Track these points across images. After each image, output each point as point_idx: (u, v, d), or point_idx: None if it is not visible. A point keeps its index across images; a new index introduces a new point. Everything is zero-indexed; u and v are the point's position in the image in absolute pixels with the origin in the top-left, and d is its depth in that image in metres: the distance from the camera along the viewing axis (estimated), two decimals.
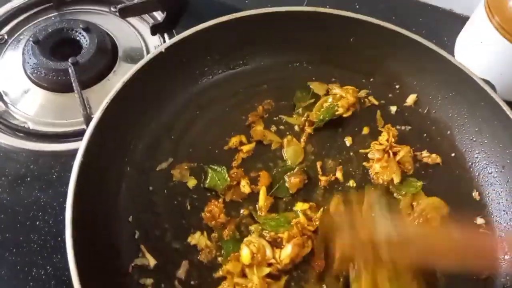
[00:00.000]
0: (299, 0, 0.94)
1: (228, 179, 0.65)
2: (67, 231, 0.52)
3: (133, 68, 0.62)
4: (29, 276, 0.62)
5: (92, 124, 0.58)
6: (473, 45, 0.82)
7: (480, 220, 0.64)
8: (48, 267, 0.63)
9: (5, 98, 0.77)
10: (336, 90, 0.73)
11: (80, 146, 0.56)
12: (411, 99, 0.73)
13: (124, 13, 0.78)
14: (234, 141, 0.69)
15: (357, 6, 0.95)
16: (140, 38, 0.85)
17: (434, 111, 0.72)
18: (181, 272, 0.59)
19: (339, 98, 0.72)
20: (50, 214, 0.67)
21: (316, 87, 0.74)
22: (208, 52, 0.71)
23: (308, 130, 0.70)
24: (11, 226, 0.66)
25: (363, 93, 0.74)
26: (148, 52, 0.83)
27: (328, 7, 0.92)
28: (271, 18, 0.71)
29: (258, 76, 0.74)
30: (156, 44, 0.84)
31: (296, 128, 0.71)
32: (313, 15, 0.71)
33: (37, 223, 0.66)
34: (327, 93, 0.74)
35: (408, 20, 0.92)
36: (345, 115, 0.71)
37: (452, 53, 0.87)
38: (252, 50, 0.74)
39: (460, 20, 0.90)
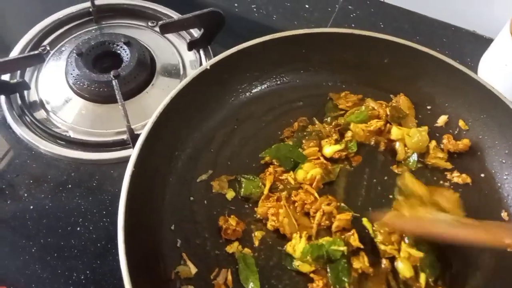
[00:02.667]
0: (323, 17, 0.98)
1: (263, 186, 0.67)
2: (119, 237, 0.54)
3: (181, 83, 0.65)
4: (70, 280, 0.64)
5: (143, 136, 0.60)
6: (497, 67, 0.84)
7: (508, 240, 0.66)
8: (87, 272, 0.65)
9: (46, 106, 0.80)
10: (370, 103, 0.75)
11: (131, 156, 0.59)
12: (442, 120, 0.75)
13: (165, 29, 0.81)
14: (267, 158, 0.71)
15: (382, 26, 0.97)
16: (177, 53, 0.88)
17: (464, 132, 0.74)
18: (220, 279, 0.61)
19: (371, 109, 0.75)
20: (90, 220, 0.69)
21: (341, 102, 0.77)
22: (248, 69, 0.74)
23: (335, 135, 0.72)
24: (52, 231, 0.68)
25: None
26: (184, 67, 0.86)
27: (353, 25, 0.97)
28: (308, 38, 0.73)
29: (294, 93, 0.77)
30: (192, 59, 0.88)
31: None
32: (348, 36, 0.73)
33: (78, 228, 0.68)
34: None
35: (431, 41, 0.95)
36: (378, 124, 0.73)
37: (476, 74, 0.89)
38: (289, 68, 0.77)
39: (483, 42, 0.92)
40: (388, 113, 0.73)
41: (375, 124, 0.73)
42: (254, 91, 0.76)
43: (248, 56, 0.71)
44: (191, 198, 0.66)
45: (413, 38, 0.95)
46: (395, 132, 0.72)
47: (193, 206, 0.66)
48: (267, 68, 0.75)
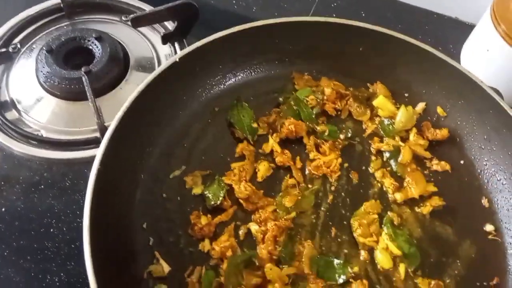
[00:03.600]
0: (304, 8, 0.96)
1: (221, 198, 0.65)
2: (85, 238, 0.52)
3: (148, 78, 0.63)
4: (43, 283, 0.63)
5: (108, 133, 0.58)
6: (479, 53, 0.83)
7: (489, 227, 0.65)
8: (62, 274, 0.64)
9: (18, 106, 0.78)
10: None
11: (97, 155, 0.57)
12: (420, 107, 0.74)
13: (136, 23, 0.79)
14: (240, 147, 0.70)
15: (363, 14, 0.96)
16: (151, 47, 0.86)
17: (442, 119, 0.73)
18: (194, 278, 0.59)
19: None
20: (63, 221, 0.68)
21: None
22: (220, 61, 0.72)
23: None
24: (25, 233, 0.67)
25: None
26: (159, 60, 0.85)
27: (334, 15, 0.95)
28: (281, 28, 0.72)
29: (269, 84, 0.76)
30: (166, 53, 0.86)
31: None
32: (323, 25, 0.72)
33: (51, 230, 0.67)
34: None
35: (414, 28, 0.94)
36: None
37: (458, 61, 0.87)
38: (263, 59, 0.75)
39: (465, 28, 0.91)
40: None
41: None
42: (227, 83, 0.75)
43: (219, 47, 0.69)
44: (164, 195, 0.65)
45: (396, 26, 0.94)
46: (381, 101, 0.72)
47: (166, 203, 0.65)
48: (240, 59, 0.74)
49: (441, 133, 0.70)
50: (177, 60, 0.65)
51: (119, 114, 0.60)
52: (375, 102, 0.73)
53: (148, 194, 0.64)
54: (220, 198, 0.64)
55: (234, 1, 0.97)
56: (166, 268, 0.59)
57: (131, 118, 0.62)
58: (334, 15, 0.95)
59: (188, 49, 0.66)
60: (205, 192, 0.65)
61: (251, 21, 0.92)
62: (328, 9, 0.96)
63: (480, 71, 0.82)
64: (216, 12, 0.95)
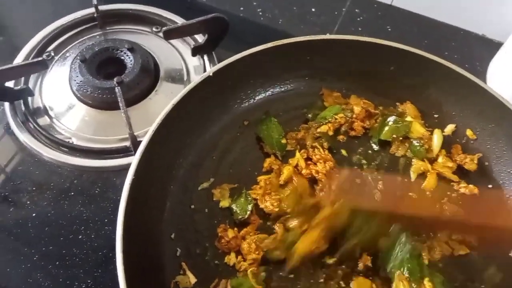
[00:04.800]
0: (330, 21, 0.97)
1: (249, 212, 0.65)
2: (118, 247, 0.53)
3: (182, 91, 0.64)
4: None
5: (143, 144, 0.59)
6: (506, 72, 0.82)
7: None
8: (89, 281, 0.65)
9: (50, 112, 0.80)
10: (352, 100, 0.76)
11: (131, 165, 0.58)
12: (449, 129, 0.74)
13: (168, 35, 0.80)
14: (268, 162, 0.70)
15: (389, 29, 0.96)
16: (181, 59, 0.87)
17: (472, 142, 0.72)
18: None
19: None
20: (92, 228, 0.69)
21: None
22: (252, 76, 0.73)
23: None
24: (54, 239, 0.68)
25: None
26: (188, 72, 0.86)
27: (360, 29, 0.95)
28: (313, 45, 0.72)
29: (299, 100, 0.76)
30: (195, 65, 0.87)
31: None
32: (354, 43, 0.72)
33: (80, 237, 0.68)
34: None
35: (440, 44, 0.94)
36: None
37: (484, 79, 0.88)
38: (293, 75, 0.76)
39: (492, 46, 0.91)
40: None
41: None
42: (258, 97, 0.75)
43: (251, 62, 0.70)
44: (192, 207, 0.66)
45: (421, 42, 0.94)
46: (416, 128, 0.72)
47: (194, 215, 0.65)
48: (271, 74, 0.74)
49: (470, 164, 0.69)
50: (211, 74, 0.66)
51: (154, 126, 0.61)
52: None
53: (177, 205, 0.65)
54: (248, 213, 0.65)
55: (260, 13, 0.98)
56: (193, 279, 0.60)
57: (164, 130, 0.63)
58: (360, 29, 0.96)
59: (221, 64, 0.67)
60: (233, 206, 0.66)
61: (278, 33, 0.95)
62: (354, 23, 0.97)
63: (506, 90, 0.81)
64: (243, 23, 0.96)
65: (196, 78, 0.82)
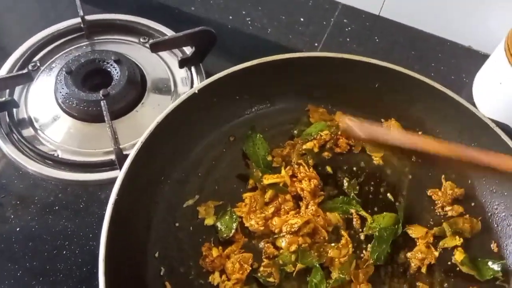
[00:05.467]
0: (318, 31, 0.97)
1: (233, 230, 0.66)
2: (100, 268, 0.53)
3: (167, 108, 0.64)
4: None
5: (126, 163, 0.59)
6: (491, 85, 0.83)
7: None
8: None
9: (35, 124, 0.79)
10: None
11: (115, 184, 0.58)
12: None
13: (156, 48, 0.80)
14: (251, 181, 0.71)
15: (377, 40, 0.97)
16: (168, 70, 0.87)
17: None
18: None
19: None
20: (76, 243, 0.69)
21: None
22: (237, 93, 0.73)
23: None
24: (38, 254, 0.67)
25: None
26: (175, 83, 0.86)
27: (348, 39, 0.96)
28: (299, 62, 0.73)
29: (284, 116, 0.76)
30: (182, 76, 0.87)
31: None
32: (341, 60, 0.72)
33: (64, 252, 0.68)
34: None
35: (427, 55, 0.94)
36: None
37: (470, 91, 0.88)
38: (279, 91, 0.76)
39: (479, 58, 0.92)
40: None
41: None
42: (244, 113, 0.76)
43: (237, 79, 0.70)
44: (177, 224, 0.66)
45: (409, 52, 0.95)
46: None
47: (178, 233, 0.65)
48: (257, 91, 0.74)
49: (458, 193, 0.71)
50: (196, 92, 0.66)
51: (137, 145, 0.61)
52: None
53: (162, 222, 0.65)
54: (232, 231, 0.65)
55: (249, 22, 0.98)
56: None
57: (149, 148, 0.63)
58: (348, 39, 0.96)
59: (207, 81, 0.67)
60: (217, 224, 0.66)
61: (266, 42, 0.95)
62: (342, 33, 0.97)
63: (491, 103, 0.83)
64: (232, 33, 0.96)
65: (183, 90, 0.84)
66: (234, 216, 0.66)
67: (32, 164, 0.74)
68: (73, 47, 0.89)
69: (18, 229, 0.70)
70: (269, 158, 0.71)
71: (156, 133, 0.63)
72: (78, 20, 0.88)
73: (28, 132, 0.79)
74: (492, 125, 0.68)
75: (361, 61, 0.72)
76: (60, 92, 0.79)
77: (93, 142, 0.77)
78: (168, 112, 0.64)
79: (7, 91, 0.81)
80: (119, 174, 0.58)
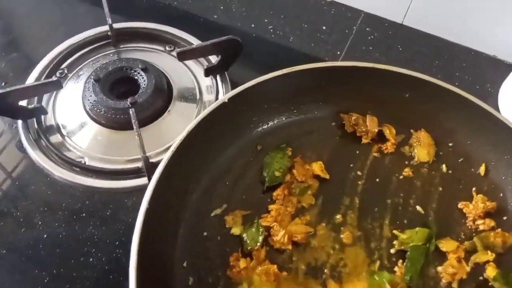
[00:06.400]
0: (341, 40, 0.96)
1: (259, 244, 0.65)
2: (131, 278, 0.53)
3: (198, 118, 0.64)
4: None
5: (157, 173, 0.59)
6: None
7: None
8: None
9: (62, 130, 0.80)
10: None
11: (146, 194, 0.58)
12: (464, 158, 0.73)
13: (182, 56, 0.80)
14: (277, 191, 0.70)
15: (400, 49, 0.96)
16: (193, 78, 0.87)
17: (487, 172, 0.72)
18: None
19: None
20: (103, 251, 0.69)
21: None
22: (266, 101, 0.73)
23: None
24: (65, 261, 0.68)
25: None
26: (200, 92, 0.86)
27: (371, 48, 0.95)
28: (327, 71, 0.72)
29: (312, 124, 0.76)
30: (208, 84, 0.87)
31: None
32: (370, 70, 0.72)
33: (90, 259, 0.68)
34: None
35: (451, 65, 0.93)
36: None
37: (495, 101, 0.87)
38: (307, 100, 0.76)
39: (504, 67, 0.91)
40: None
41: None
42: (272, 122, 0.75)
43: (265, 88, 0.69)
44: (205, 234, 0.65)
45: (432, 62, 0.94)
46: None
47: (206, 242, 0.65)
48: (286, 99, 0.74)
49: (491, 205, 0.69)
50: (226, 100, 0.66)
51: (168, 154, 0.61)
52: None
53: (190, 232, 0.65)
54: (258, 244, 0.64)
55: (271, 31, 0.98)
56: None
57: (179, 156, 0.62)
58: (371, 48, 0.95)
59: (237, 90, 0.67)
60: (243, 235, 0.65)
61: (289, 51, 0.94)
62: (365, 41, 0.96)
63: None
64: (254, 41, 0.95)
65: (208, 98, 0.84)
66: (261, 229, 0.65)
67: (60, 170, 0.75)
68: (100, 54, 0.89)
69: (45, 235, 0.70)
70: (277, 174, 0.71)
71: (186, 142, 0.63)
72: (105, 28, 0.88)
73: (55, 138, 0.79)
74: None
75: (390, 71, 0.71)
76: (88, 100, 0.79)
77: (120, 150, 0.78)
78: (199, 120, 0.64)
79: (36, 98, 0.81)
80: (151, 182, 0.58)
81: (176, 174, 0.63)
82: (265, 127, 0.75)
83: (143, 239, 0.55)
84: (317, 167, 0.71)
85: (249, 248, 0.64)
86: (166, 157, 0.60)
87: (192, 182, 0.67)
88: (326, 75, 0.72)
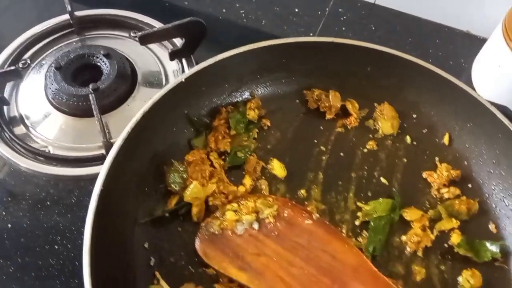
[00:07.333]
0: (314, 22, 0.96)
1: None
2: (85, 258, 0.52)
3: (153, 98, 0.63)
4: None
5: (112, 153, 0.59)
6: (490, 68, 0.82)
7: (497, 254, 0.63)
8: None
9: (26, 121, 0.79)
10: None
11: (100, 174, 0.57)
12: (428, 129, 0.73)
13: (144, 40, 0.79)
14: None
15: (373, 28, 0.96)
16: (159, 63, 0.87)
17: (451, 142, 0.72)
18: None
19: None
20: (68, 238, 0.68)
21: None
22: (226, 80, 0.72)
23: None
24: (30, 250, 0.67)
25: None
26: (166, 76, 0.85)
27: (343, 28, 0.95)
28: (288, 47, 0.71)
29: (275, 102, 0.75)
30: (174, 69, 0.86)
31: None
32: (330, 45, 0.71)
33: (56, 247, 0.67)
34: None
35: (424, 42, 0.93)
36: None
37: (469, 75, 0.87)
38: (269, 78, 0.75)
39: (477, 42, 0.90)
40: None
41: None
42: (233, 102, 0.74)
43: (225, 67, 0.69)
44: (166, 215, 0.65)
45: (406, 40, 0.93)
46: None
47: (168, 223, 0.64)
48: (247, 78, 0.73)
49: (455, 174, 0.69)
50: (183, 80, 0.65)
51: (123, 134, 0.60)
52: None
53: (150, 213, 0.64)
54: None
55: (243, 15, 0.97)
56: None
57: (135, 137, 0.62)
58: (344, 29, 0.95)
59: (193, 69, 0.66)
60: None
61: (261, 34, 0.93)
62: (338, 23, 0.96)
63: (491, 86, 0.82)
64: (226, 25, 0.95)
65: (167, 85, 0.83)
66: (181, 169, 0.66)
67: (24, 161, 0.74)
68: (63, 43, 0.88)
69: (9, 225, 0.69)
70: (240, 154, 0.70)
71: (142, 122, 0.62)
72: (67, 16, 0.87)
73: (19, 130, 0.78)
74: (487, 104, 0.66)
75: (350, 45, 0.71)
76: (50, 88, 0.78)
77: (86, 137, 0.77)
78: (155, 101, 0.63)
79: None
80: (104, 163, 0.58)
81: (133, 155, 0.62)
82: (228, 108, 0.74)
83: (98, 221, 0.55)
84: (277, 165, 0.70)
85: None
86: (121, 137, 0.60)
87: (151, 162, 0.66)
88: (286, 52, 0.72)
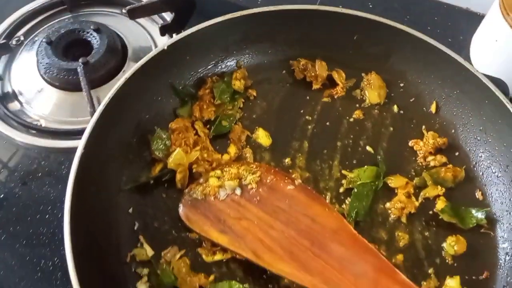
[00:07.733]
0: (313, 1, 0.95)
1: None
2: (66, 220, 0.53)
3: (136, 65, 0.64)
4: (37, 267, 0.65)
5: (95, 117, 0.59)
6: (488, 43, 0.81)
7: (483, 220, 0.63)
8: (55, 259, 0.65)
9: (20, 97, 0.80)
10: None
11: (82, 138, 0.58)
12: (415, 97, 0.72)
13: (132, 14, 0.80)
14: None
15: (371, 6, 0.94)
16: (150, 38, 0.87)
17: (438, 110, 0.71)
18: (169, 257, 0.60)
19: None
20: (59, 208, 0.69)
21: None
22: (211, 50, 0.72)
23: None
24: (22, 219, 0.69)
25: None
26: None
27: (341, 6, 0.93)
28: (273, 16, 0.71)
29: (261, 72, 0.75)
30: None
31: None
32: (314, 13, 0.71)
33: (47, 216, 0.69)
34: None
35: (423, 19, 0.92)
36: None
37: (468, 51, 0.86)
38: (255, 48, 0.75)
39: (476, 19, 0.89)
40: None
41: None
42: (219, 72, 0.74)
43: (209, 36, 0.69)
44: (151, 181, 0.65)
45: (404, 17, 0.92)
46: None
47: (153, 188, 0.65)
48: (232, 48, 0.73)
49: (442, 141, 0.68)
50: (165, 48, 0.66)
51: (106, 99, 0.61)
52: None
53: (134, 179, 0.65)
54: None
55: None
56: (150, 252, 0.60)
57: (118, 104, 0.62)
58: (341, 6, 0.93)
59: (176, 37, 0.67)
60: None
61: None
62: (335, 0, 0.95)
63: (489, 61, 0.81)
64: (216, 2, 0.94)
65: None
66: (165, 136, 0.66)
67: (16, 133, 0.75)
68: (56, 20, 0.90)
69: (2, 195, 0.71)
70: (224, 123, 0.70)
71: (125, 89, 0.62)
72: None
73: (13, 106, 0.80)
74: (474, 70, 0.65)
75: (335, 12, 0.70)
76: (41, 63, 0.80)
77: (77, 111, 0.78)
78: (136, 68, 0.64)
79: None
80: (87, 127, 0.58)
81: (116, 121, 0.63)
82: (213, 77, 0.74)
83: (80, 185, 0.56)
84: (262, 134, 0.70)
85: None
86: (103, 102, 0.60)
87: (135, 130, 0.67)
88: (269, 21, 0.72)
